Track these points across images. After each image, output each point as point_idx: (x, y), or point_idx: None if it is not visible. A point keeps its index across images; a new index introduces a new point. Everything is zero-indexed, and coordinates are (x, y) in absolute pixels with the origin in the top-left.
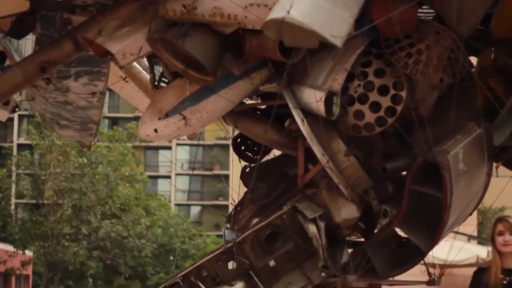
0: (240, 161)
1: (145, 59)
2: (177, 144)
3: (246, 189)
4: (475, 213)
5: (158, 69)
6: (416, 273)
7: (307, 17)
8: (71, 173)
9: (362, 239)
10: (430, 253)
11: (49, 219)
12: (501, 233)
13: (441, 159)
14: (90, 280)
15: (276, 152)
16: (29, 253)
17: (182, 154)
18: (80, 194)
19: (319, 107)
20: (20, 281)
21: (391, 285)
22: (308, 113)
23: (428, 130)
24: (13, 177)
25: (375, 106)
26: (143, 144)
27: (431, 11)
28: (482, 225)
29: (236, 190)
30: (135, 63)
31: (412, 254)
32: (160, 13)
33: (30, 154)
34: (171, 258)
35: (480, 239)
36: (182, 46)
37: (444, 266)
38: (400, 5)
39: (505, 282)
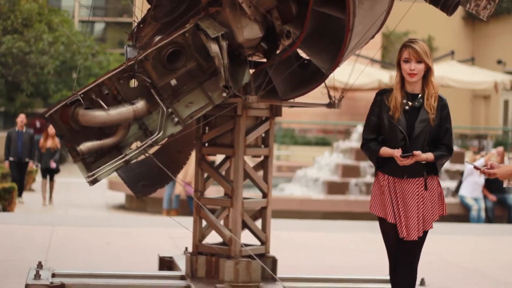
0: None
1: None
2: None
3: (149, 6)
4: (378, 37)
5: None
6: (317, 95)
7: None
8: None
9: (264, 60)
10: (332, 76)
11: None
12: (407, 60)
13: None
14: None
15: None
16: None
17: None
18: None
19: None
20: None
21: (292, 106)
22: None
23: None
24: None
25: None
26: None
27: None
28: (386, 49)
29: (140, 7)
30: None
31: (313, 76)
32: None
33: None
34: (74, 75)
35: (383, 63)
36: None
37: (345, 89)
38: None
39: (407, 107)
